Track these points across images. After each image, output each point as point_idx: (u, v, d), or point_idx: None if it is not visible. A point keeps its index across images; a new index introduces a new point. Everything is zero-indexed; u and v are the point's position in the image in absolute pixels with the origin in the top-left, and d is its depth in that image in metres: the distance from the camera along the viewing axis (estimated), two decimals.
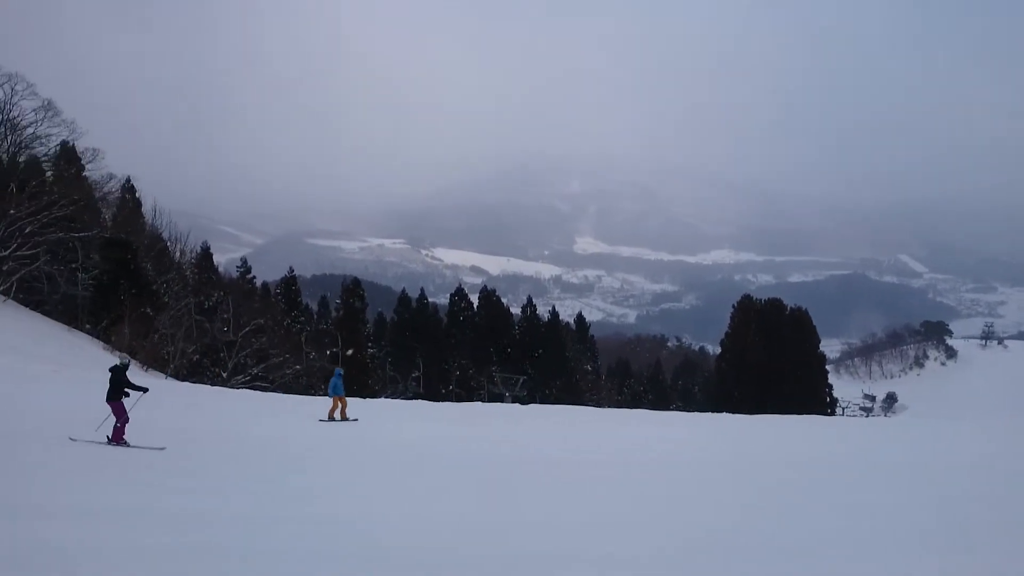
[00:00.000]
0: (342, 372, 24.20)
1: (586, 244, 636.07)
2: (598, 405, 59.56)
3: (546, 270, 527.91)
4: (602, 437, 23.73)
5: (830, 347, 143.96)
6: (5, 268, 41.98)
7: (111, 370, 13.96)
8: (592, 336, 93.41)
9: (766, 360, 67.39)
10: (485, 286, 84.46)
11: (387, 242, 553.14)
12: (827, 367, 75.61)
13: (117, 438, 13.69)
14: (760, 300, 75.83)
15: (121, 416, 13.73)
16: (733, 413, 42.25)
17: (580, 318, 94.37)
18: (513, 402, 50.57)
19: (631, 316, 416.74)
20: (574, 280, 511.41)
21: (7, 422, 14.51)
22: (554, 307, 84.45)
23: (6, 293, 41.82)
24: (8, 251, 41.69)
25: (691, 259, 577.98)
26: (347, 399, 23.92)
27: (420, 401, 42.55)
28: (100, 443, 13.44)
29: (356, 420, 23.08)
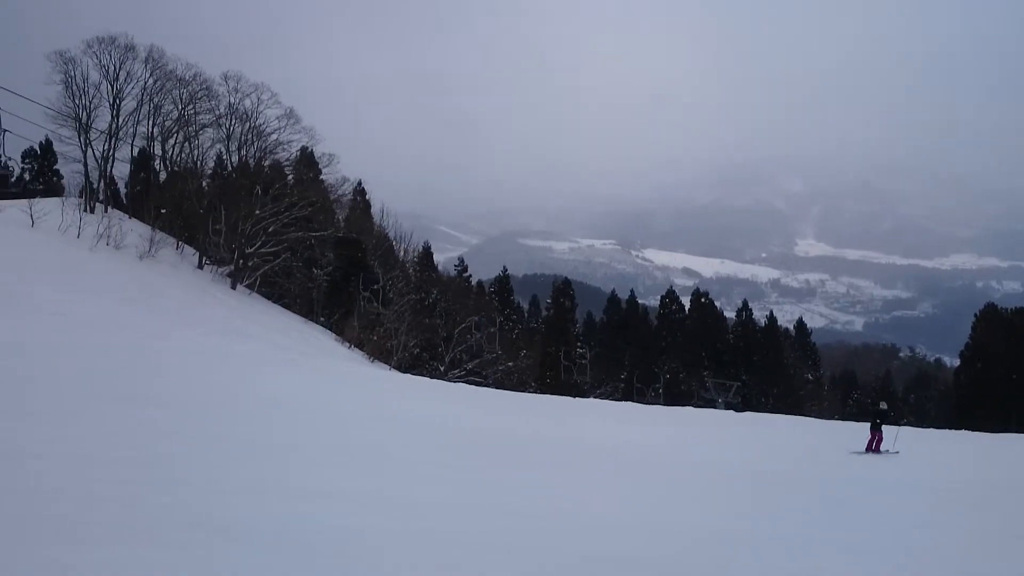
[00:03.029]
0: None
1: (808, 246, 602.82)
2: (820, 416, 55.95)
3: (763, 273, 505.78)
4: (826, 451, 22.04)
5: None
6: (251, 264, 46.12)
7: (882, 411, 22.81)
8: (814, 343, 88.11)
9: (1012, 374, 60.67)
10: (697, 288, 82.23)
11: (597, 243, 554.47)
12: None
13: (878, 450, 21.78)
14: (1006, 309, 68.43)
15: (879, 438, 21.87)
16: (973, 431, 38.07)
17: (800, 324, 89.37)
18: (726, 409, 48.60)
19: (858, 323, 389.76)
20: (794, 284, 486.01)
21: (246, 404, 15.63)
22: (772, 312, 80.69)
23: (251, 287, 45.97)
24: (254, 248, 45.76)
25: (927, 263, 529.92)
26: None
27: (628, 403, 41.98)
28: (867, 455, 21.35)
29: None
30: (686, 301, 75.32)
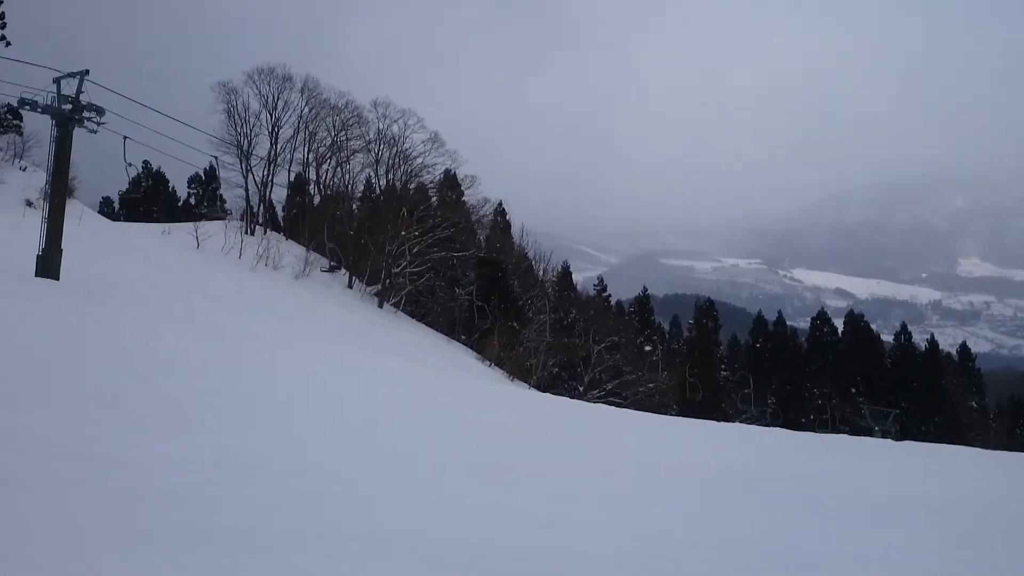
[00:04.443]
0: None
1: (972, 266, 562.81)
2: (984, 446, 51.73)
3: (923, 294, 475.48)
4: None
5: None
6: (397, 283, 47.63)
7: None
8: (978, 369, 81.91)
9: None
10: (851, 310, 78.28)
11: (742, 262, 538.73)
12: None
13: None
14: None
15: None
16: None
17: (964, 348, 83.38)
18: (883, 437, 45.70)
19: None
20: (956, 306, 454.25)
21: (403, 419, 15.96)
22: (932, 335, 75.59)
23: (397, 305, 47.43)
24: (400, 268, 47.23)
25: None
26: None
27: (778, 430, 40.21)
28: None
29: None
30: (839, 323, 71.81)
